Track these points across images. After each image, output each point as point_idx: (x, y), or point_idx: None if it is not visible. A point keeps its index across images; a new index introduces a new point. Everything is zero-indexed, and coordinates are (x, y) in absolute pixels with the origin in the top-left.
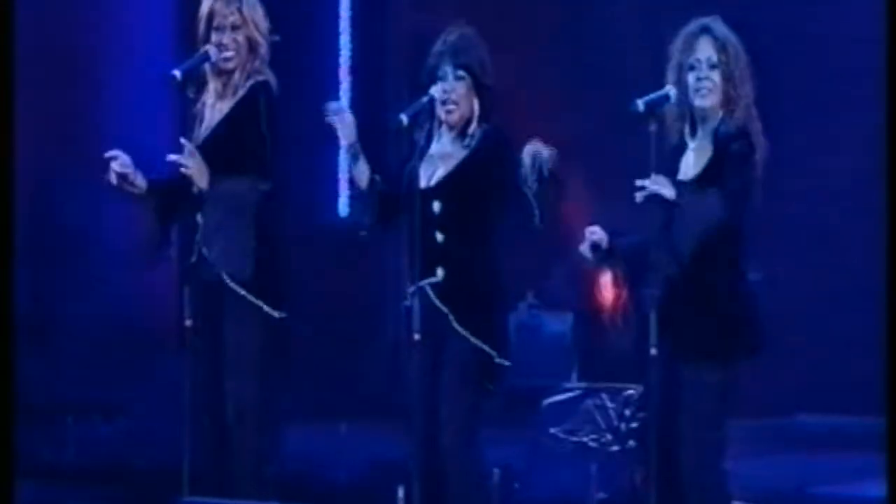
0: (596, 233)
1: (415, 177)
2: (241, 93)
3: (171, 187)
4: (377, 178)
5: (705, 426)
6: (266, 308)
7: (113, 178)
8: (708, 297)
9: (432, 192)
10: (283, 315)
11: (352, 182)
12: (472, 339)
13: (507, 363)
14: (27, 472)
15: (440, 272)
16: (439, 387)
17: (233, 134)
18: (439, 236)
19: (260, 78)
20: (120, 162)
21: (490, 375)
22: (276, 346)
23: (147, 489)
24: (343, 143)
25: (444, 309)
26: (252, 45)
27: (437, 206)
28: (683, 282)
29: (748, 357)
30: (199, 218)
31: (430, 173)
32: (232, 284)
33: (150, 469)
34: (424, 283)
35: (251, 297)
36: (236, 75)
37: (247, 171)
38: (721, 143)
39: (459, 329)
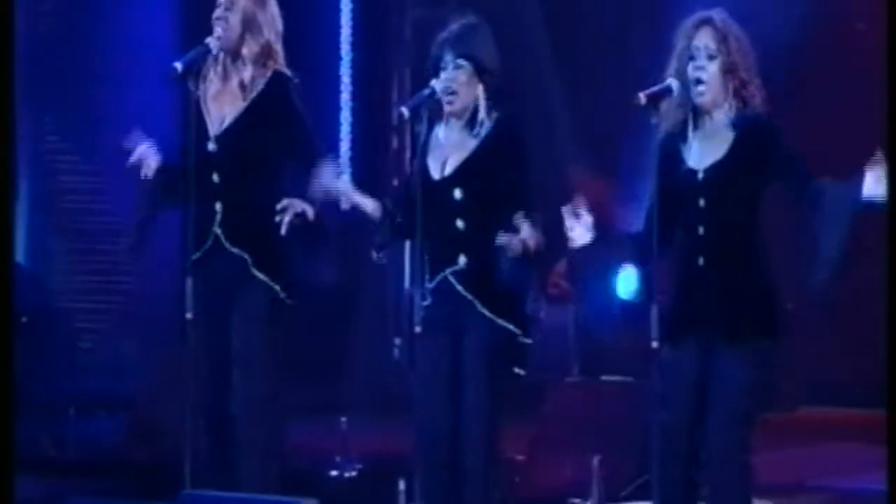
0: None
1: (423, 170)
2: (259, 85)
3: (167, 178)
4: (387, 202)
5: (738, 421)
6: (278, 291)
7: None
8: (745, 279)
9: (451, 181)
10: (293, 299)
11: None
12: (500, 321)
13: (529, 341)
14: (28, 465)
15: (462, 259)
16: (461, 376)
17: (263, 124)
18: (460, 223)
19: (277, 68)
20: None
21: (516, 356)
22: (288, 335)
23: (149, 482)
24: (345, 206)
25: (469, 296)
26: (248, 28)
27: (458, 193)
28: (721, 270)
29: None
30: (217, 206)
31: (442, 162)
32: (255, 272)
33: (152, 462)
34: (448, 271)
35: (272, 283)
36: (241, 63)
37: (290, 150)
38: (746, 127)
39: (486, 313)
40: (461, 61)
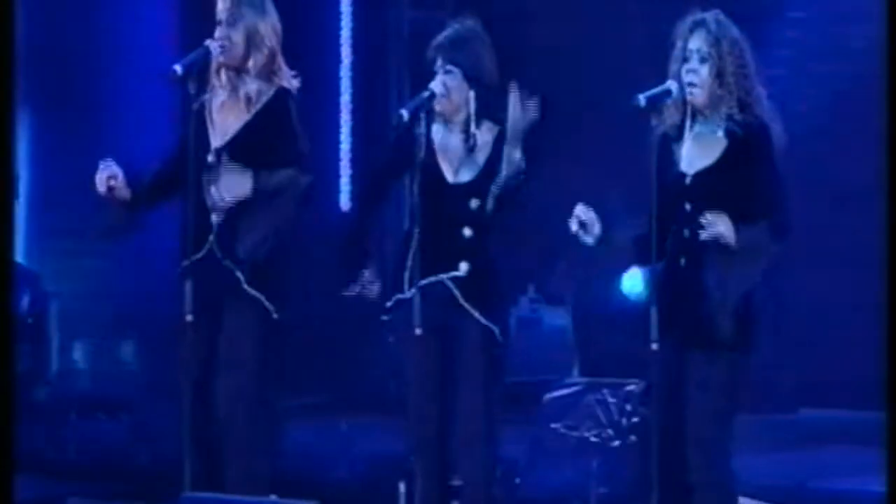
0: (582, 213)
1: (434, 172)
2: (263, 100)
3: (154, 191)
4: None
5: (713, 422)
6: (271, 310)
7: (102, 189)
8: (724, 281)
9: (468, 189)
10: (283, 317)
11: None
12: (489, 325)
13: (505, 349)
14: (28, 467)
15: (464, 266)
16: (455, 380)
17: (262, 139)
18: (467, 231)
19: (283, 84)
20: (110, 173)
21: (500, 365)
22: (276, 343)
23: (149, 485)
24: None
25: (466, 303)
26: (251, 43)
27: (474, 203)
28: (698, 272)
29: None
30: (213, 218)
31: (455, 168)
32: (248, 289)
33: (152, 465)
34: (446, 276)
35: (259, 296)
36: (246, 76)
37: (282, 166)
38: (740, 139)
39: (483, 321)
40: (450, 66)
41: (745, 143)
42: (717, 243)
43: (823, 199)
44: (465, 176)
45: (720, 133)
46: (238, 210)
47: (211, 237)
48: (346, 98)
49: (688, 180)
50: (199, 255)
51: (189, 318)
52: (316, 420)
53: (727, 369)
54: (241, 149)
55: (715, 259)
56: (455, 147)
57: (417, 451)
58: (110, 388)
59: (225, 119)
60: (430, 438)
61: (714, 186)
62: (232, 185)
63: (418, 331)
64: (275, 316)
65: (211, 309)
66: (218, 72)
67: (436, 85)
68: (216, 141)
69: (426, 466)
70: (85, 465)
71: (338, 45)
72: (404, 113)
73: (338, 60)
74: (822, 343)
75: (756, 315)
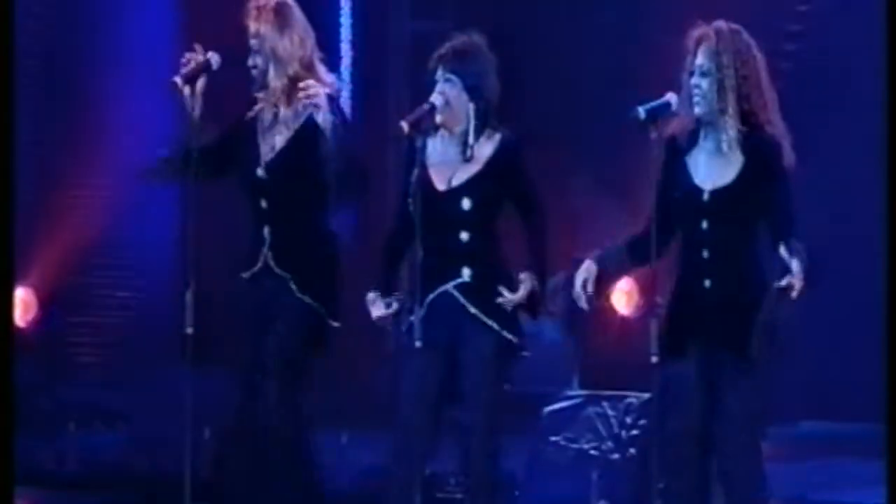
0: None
1: (426, 182)
2: (301, 119)
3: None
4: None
5: (748, 432)
6: (329, 318)
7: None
8: (747, 297)
9: (460, 191)
10: (339, 325)
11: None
12: (504, 333)
13: (527, 354)
14: (28, 479)
15: (467, 272)
16: (460, 390)
17: (308, 151)
18: (464, 235)
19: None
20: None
21: (513, 369)
22: (328, 354)
23: (149, 497)
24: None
25: (473, 308)
26: (275, 67)
27: (466, 203)
28: (717, 286)
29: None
30: (265, 231)
31: (449, 176)
32: (300, 295)
33: (152, 476)
34: (450, 284)
35: (316, 306)
36: (281, 94)
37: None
38: (757, 154)
39: (493, 325)
40: (451, 76)
41: (761, 160)
42: (741, 263)
43: (824, 208)
44: (457, 180)
45: (736, 148)
46: (291, 219)
47: (265, 249)
48: (345, 109)
49: (705, 197)
50: (254, 270)
51: (189, 330)
52: (315, 432)
53: (760, 383)
54: (287, 163)
55: (745, 280)
56: (451, 159)
57: (398, 460)
58: (109, 399)
59: (273, 136)
60: (415, 451)
61: (733, 205)
62: None
63: (418, 343)
64: (334, 324)
65: (264, 320)
66: (266, 94)
67: (436, 97)
68: (265, 156)
69: (405, 477)
70: (84, 476)
71: (338, 58)
72: (404, 125)
73: (337, 72)
74: (824, 355)
75: (784, 326)
